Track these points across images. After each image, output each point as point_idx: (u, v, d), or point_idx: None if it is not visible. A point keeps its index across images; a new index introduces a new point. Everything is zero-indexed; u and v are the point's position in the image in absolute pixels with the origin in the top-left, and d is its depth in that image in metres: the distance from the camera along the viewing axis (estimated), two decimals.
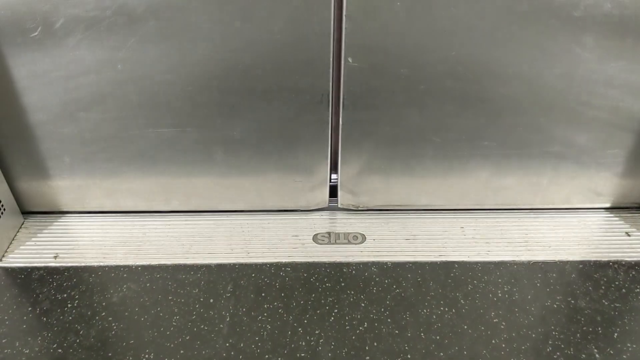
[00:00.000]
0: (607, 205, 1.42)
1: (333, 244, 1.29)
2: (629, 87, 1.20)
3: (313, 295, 1.15)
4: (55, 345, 1.03)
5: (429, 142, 1.27)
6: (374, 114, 1.22)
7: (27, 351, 1.02)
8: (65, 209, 1.37)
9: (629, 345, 1.05)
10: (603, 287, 1.19)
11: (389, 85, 1.18)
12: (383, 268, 1.22)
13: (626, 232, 1.35)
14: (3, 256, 1.25)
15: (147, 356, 1.01)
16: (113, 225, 1.34)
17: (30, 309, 1.11)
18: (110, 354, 1.01)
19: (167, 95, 1.18)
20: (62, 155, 1.27)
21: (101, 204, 1.36)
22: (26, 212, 1.38)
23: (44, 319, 1.08)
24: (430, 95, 1.20)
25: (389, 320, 1.09)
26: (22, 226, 1.35)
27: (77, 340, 1.04)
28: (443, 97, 1.20)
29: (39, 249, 1.27)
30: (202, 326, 1.07)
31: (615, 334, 1.07)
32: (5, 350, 1.02)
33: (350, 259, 1.24)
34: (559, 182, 1.36)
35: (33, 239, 1.30)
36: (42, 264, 1.22)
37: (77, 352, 1.01)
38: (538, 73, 1.17)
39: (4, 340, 1.04)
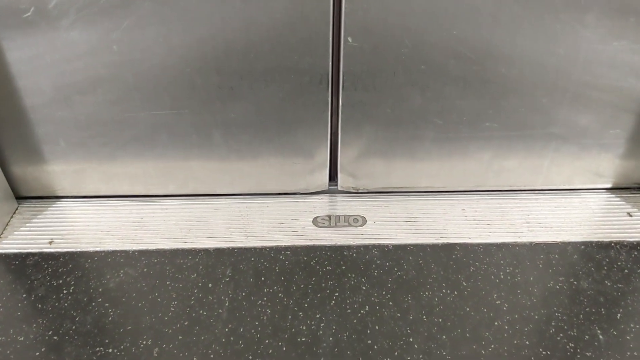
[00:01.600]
0: (609, 185, 1.41)
1: (333, 227, 1.27)
2: (631, 67, 1.17)
3: (313, 278, 1.13)
4: (50, 332, 1.01)
5: (431, 123, 1.25)
6: (375, 95, 1.20)
7: (22, 339, 1.00)
8: (60, 194, 1.35)
9: (632, 325, 1.04)
10: (605, 268, 1.18)
11: (389, 66, 1.15)
12: (384, 251, 1.21)
13: (628, 213, 1.34)
14: None
15: (145, 342, 0.99)
16: (109, 210, 1.31)
17: (25, 295, 1.09)
18: (107, 341, 0.99)
19: (164, 78, 1.15)
20: (57, 139, 1.24)
21: (97, 189, 1.34)
22: (20, 197, 1.35)
23: (39, 305, 1.06)
24: (432, 76, 1.17)
25: (390, 303, 1.08)
26: (17, 211, 1.32)
27: (73, 327, 1.02)
28: (445, 78, 1.18)
29: (33, 234, 1.24)
30: (201, 311, 1.05)
31: (619, 315, 1.06)
32: (0, 338, 1.00)
33: (350, 242, 1.23)
34: (560, 163, 1.35)
35: (28, 224, 1.27)
36: (37, 250, 1.20)
37: (73, 339, 1.00)
38: (541, 54, 1.15)
39: None
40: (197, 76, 1.15)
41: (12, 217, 1.30)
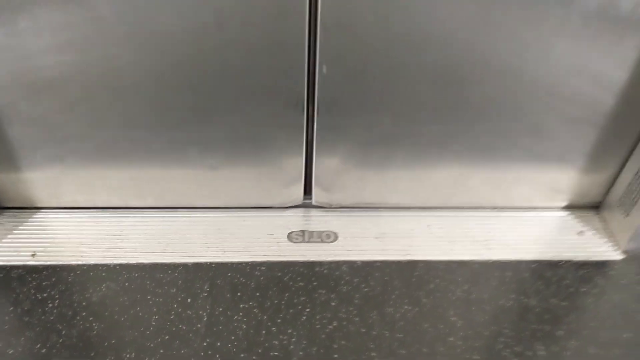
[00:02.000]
0: (565, 204, 1.51)
1: (307, 242, 1.35)
2: (596, 79, 1.22)
3: (286, 294, 1.21)
4: (39, 345, 1.07)
5: (401, 146, 1.32)
6: (349, 118, 1.26)
7: (12, 352, 1.06)
8: (39, 205, 1.38)
9: (572, 342, 1.16)
10: (553, 286, 1.28)
11: (363, 92, 1.21)
12: (353, 267, 1.29)
13: (579, 232, 1.45)
14: None
15: (128, 356, 1.07)
16: (90, 222, 1.36)
17: (11, 308, 1.14)
18: (92, 354, 1.06)
19: (139, 99, 1.19)
20: (34, 152, 1.27)
21: (76, 200, 1.38)
22: (1, 208, 1.38)
23: (26, 318, 1.12)
24: (404, 102, 1.23)
25: (356, 319, 1.17)
26: None
27: (60, 340, 1.08)
28: (416, 104, 1.24)
29: (16, 246, 1.29)
30: (181, 326, 1.13)
31: (561, 332, 1.18)
32: None
33: (322, 258, 1.31)
34: (521, 182, 1.43)
35: (9, 236, 1.31)
36: (21, 263, 1.24)
37: (60, 352, 1.06)
38: (511, 78, 1.21)
39: None
40: (172, 98, 1.19)
41: None
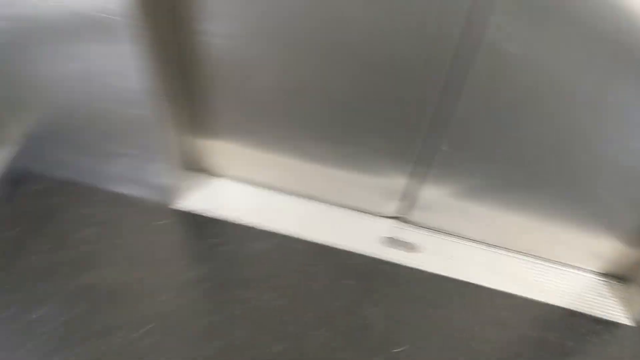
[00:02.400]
0: (598, 267, 1.86)
1: (393, 247, 1.79)
2: None
3: (373, 283, 1.67)
4: (213, 276, 1.60)
5: (486, 196, 1.71)
6: (454, 169, 1.66)
7: (193, 275, 1.59)
8: (215, 172, 1.87)
9: None
10: (570, 330, 1.66)
11: (471, 159, 1.61)
12: (423, 276, 1.71)
13: (603, 295, 1.82)
14: (176, 201, 1.77)
15: (267, 296, 1.57)
16: (251, 194, 1.83)
17: (196, 244, 1.67)
18: (245, 289, 1.57)
19: (310, 112, 1.59)
20: (224, 124, 1.68)
21: (240, 175, 1.86)
22: (188, 169, 1.85)
23: (205, 254, 1.65)
24: (497, 169, 1.62)
25: (414, 315, 1.58)
26: (187, 180, 1.84)
27: (226, 275, 1.61)
28: (507, 169, 1.62)
29: (200, 200, 1.79)
30: (299, 289, 1.61)
31: None
32: (181, 272, 1.61)
33: (402, 263, 1.73)
34: (570, 243, 1.79)
35: (194, 192, 1.82)
36: (203, 213, 1.75)
37: (225, 283, 1.59)
38: (582, 154, 1.51)
39: (181, 265, 1.62)
40: (330, 119, 1.60)
41: (184, 183, 1.82)
